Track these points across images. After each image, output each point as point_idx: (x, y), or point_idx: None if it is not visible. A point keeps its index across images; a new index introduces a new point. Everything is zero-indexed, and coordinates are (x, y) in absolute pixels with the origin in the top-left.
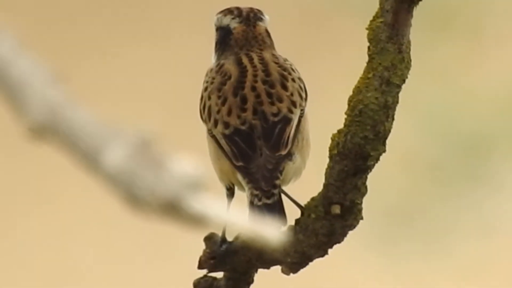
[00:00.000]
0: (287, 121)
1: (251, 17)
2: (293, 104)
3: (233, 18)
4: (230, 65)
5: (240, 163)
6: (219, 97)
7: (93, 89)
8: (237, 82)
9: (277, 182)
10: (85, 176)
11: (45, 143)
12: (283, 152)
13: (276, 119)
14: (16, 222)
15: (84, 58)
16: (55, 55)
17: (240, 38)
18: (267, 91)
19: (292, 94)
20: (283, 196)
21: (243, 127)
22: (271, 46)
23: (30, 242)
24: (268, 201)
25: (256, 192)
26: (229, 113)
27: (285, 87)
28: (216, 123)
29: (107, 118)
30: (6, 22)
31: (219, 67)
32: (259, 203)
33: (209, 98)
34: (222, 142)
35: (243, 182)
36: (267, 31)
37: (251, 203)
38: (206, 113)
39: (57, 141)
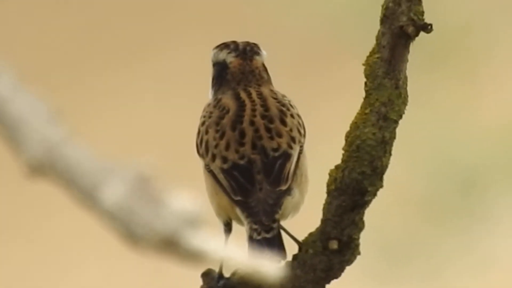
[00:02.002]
0: (287, 156)
1: (247, 51)
2: (293, 139)
3: (229, 52)
4: (228, 100)
5: (238, 198)
6: (217, 131)
7: (91, 126)
8: (236, 116)
9: (277, 216)
10: (84, 213)
11: (43, 180)
12: (284, 187)
13: (276, 154)
14: (14, 258)
15: (81, 95)
16: (53, 93)
17: (237, 72)
18: (266, 126)
19: (291, 130)
20: (281, 231)
21: (241, 162)
22: (268, 81)
23: (28, 276)
24: (268, 235)
25: (255, 227)
26: (227, 147)
27: (284, 123)
28: (214, 158)
29: (104, 154)
30: (4, 60)
31: (217, 101)
32: (259, 237)
33: (207, 132)
34: (220, 176)
35: (242, 217)
36: (264, 65)
37: (251, 238)
38: (204, 147)
39: (55, 178)
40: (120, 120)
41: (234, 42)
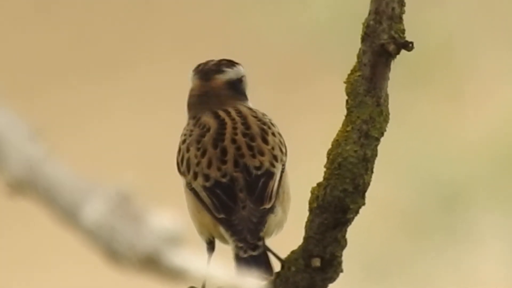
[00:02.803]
0: (270, 175)
1: (210, 71)
2: (275, 158)
3: (194, 75)
4: (208, 118)
5: (221, 216)
6: (198, 149)
7: (71, 144)
8: (217, 134)
9: (261, 234)
10: (65, 231)
11: (24, 198)
12: (267, 206)
13: (259, 172)
14: None
15: (61, 113)
16: (32, 110)
17: (198, 94)
18: (248, 144)
19: (273, 148)
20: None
21: (223, 180)
22: (236, 97)
23: None
24: (254, 253)
25: (241, 245)
26: (209, 165)
27: (265, 141)
28: (195, 176)
29: (85, 172)
30: None
31: (197, 120)
32: (245, 256)
33: (188, 150)
34: (203, 194)
35: (226, 235)
36: (228, 82)
37: (237, 256)
38: (185, 165)
39: (36, 197)
40: (101, 137)
41: (205, 62)
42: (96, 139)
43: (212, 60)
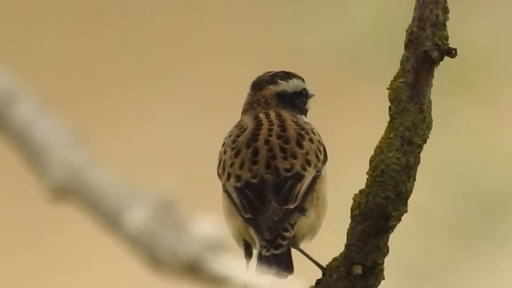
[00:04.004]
0: (299, 177)
1: (263, 81)
2: (308, 162)
3: (250, 85)
4: (247, 120)
5: (248, 215)
6: (232, 149)
7: (114, 151)
8: (251, 135)
9: (287, 234)
10: (107, 237)
11: (66, 204)
12: (291, 206)
13: (288, 174)
14: (37, 283)
15: (104, 120)
16: (76, 118)
17: (249, 102)
18: (281, 146)
19: (307, 153)
20: (303, 256)
21: (254, 180)
22: (285, 109)
23: None
24: (276, 252)
25: (264, 244)
26: (241, 166)
27: (300, 145)
28: (229, 177)
29: (128, 179)
30: (28, 85)
31: (238, 122)
32: (267, 254)
33: (225, 152)
34: (234, 195)
35: (254, 236)
36: (279, 94)
37: (260, 254)
38: (221, 167)
39: (79, 202)
40: (143, 144)
41: (265, 73)
42: (138, 145)
43: (271, 71)
